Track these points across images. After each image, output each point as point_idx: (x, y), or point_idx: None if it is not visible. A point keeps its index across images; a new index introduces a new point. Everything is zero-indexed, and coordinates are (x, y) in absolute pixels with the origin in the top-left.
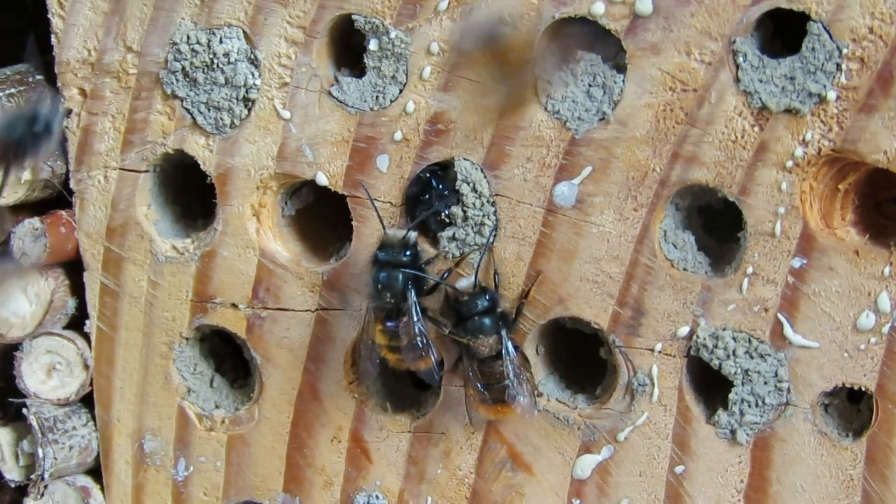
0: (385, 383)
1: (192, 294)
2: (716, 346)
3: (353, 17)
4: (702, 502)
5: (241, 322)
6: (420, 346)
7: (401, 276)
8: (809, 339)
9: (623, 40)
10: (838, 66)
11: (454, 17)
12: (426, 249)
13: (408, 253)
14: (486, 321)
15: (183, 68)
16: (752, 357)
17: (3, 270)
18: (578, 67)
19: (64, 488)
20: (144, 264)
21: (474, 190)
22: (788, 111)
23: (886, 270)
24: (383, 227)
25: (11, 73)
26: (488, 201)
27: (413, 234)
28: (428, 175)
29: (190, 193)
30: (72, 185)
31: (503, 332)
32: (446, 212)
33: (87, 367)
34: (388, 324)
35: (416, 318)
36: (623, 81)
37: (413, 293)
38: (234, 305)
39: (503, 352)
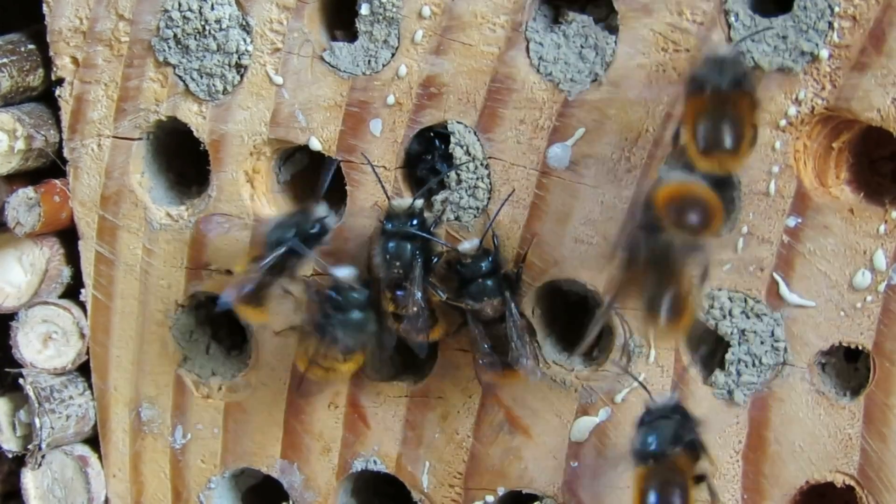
0: None
1: (188, 261)
2: (711, 307)
3: None
4: None
5: None
6: (417, 317)
7: (409, 246)
8: (805, 298)
9: (614, 1)
10: (830, 24)
11: None
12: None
13: (414, 221)
14: (490, 283)
15: (175, 35)
16: (748, 317)
17: None
18: (570, 29)
19: (62, 458)
20: (139, 232)
21: (468, 153)
22: (781, 70)
23: (881, 228)
24: (388, 197)
25: (3, 42)
26: (482, 164)
27: (419, 202)
28: (432, 134)
29: (184, 160)
30: (65, 153)
31: (507, 294)
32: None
33: (83, 336)
34: (398, 293)
35: (416, 290)
36: (615, 42)
37: (420, 264)
38: (230, 272)
39: (507, 314)
